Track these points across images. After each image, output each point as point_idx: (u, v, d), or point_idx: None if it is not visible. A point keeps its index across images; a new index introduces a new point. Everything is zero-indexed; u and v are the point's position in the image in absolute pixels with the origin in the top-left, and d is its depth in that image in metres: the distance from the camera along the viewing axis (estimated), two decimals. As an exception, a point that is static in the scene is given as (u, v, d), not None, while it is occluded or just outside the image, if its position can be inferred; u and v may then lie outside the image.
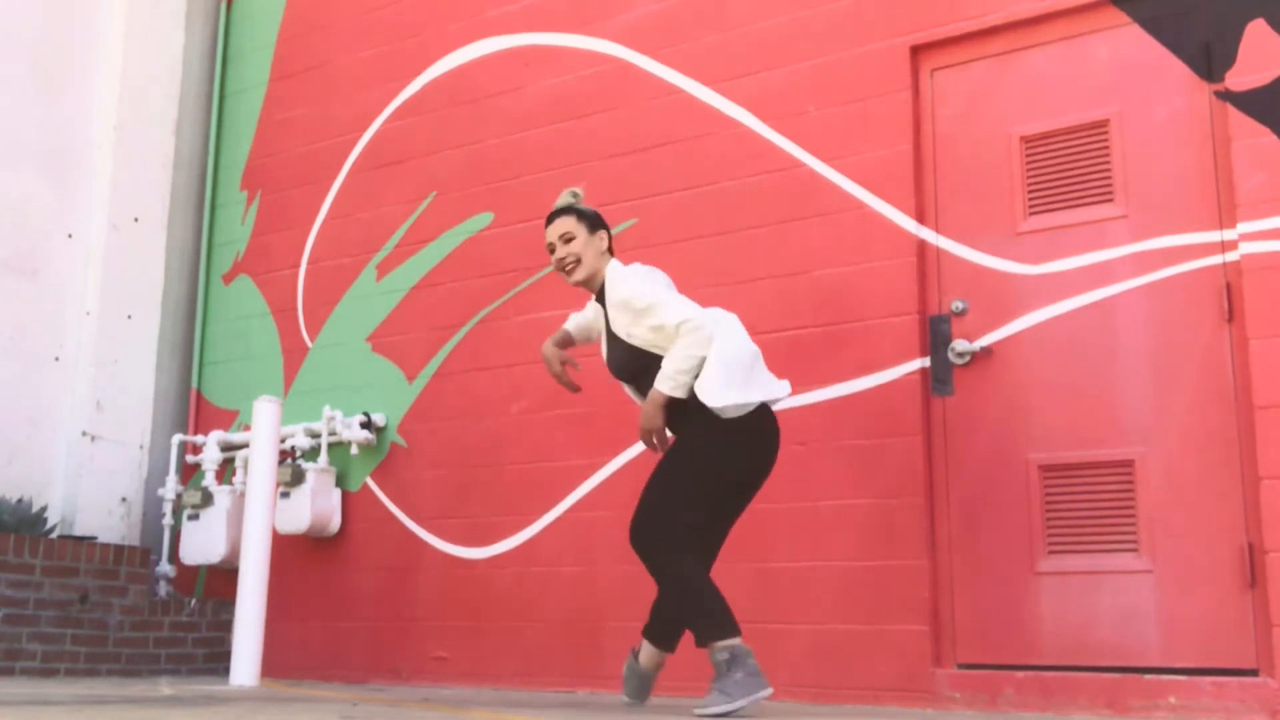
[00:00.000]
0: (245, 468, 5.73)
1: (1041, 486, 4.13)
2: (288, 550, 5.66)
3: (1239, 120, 3.94)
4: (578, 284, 3.84)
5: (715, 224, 4.87)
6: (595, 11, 5.39)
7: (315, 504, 5.52)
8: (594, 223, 3.84)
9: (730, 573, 4.51)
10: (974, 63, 4.50)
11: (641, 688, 3.94)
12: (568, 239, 3.82)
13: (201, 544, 5.80)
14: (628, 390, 3.90)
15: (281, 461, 5.65)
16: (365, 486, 5.62)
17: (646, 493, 3.63)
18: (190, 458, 6.19)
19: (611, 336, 3.80)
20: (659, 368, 3.63)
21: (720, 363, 3.57)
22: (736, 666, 3.37)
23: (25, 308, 5.98)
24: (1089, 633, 3.97)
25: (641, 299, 3.66)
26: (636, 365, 3.74)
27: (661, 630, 3.84)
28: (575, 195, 3.92)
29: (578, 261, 3.81)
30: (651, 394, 3.63)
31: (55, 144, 6.18)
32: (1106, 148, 4.20)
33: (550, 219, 3.89)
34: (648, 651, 3.88)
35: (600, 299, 3.85)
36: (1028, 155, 4.34)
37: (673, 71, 5.12)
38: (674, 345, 3.61)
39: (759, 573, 4.49)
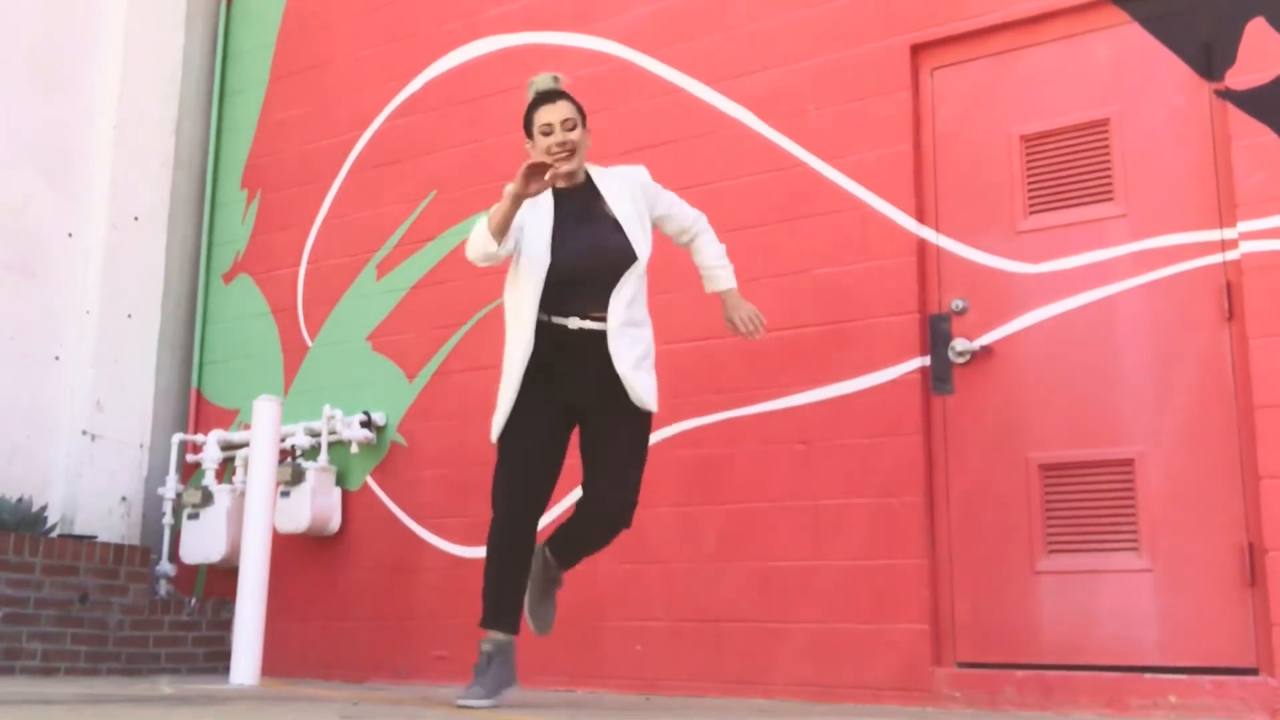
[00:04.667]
0: (245, 467, 5.72)
1: (1041, 485, 4.13)
2: (288, 549, 5.66)
3: (1239, 119, 3.94)
4: (565, 174, 3.63)
5: (715, 223, 4.83)
6: (595, 11, 5.39)
7: (315, 503, 5.52)
8: (584, 118, 3.77)
9: (730, 572, 4.53)
10: (974, 62, 4.50)
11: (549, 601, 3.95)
12: (570, 126, 3.68)
13: (201, 543, 5.79)
14: (530, 297, 3.62)
15: (281, 460, 5.65)
16: (365, 485, 5.62)
17: (631, 467, 3.69)
18: (190, 457, 6.19)
19: (592, 219, 3.68)
20: (625, 269, 3.63)
21: None
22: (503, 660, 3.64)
23: (25, 308, 5.97)
24: (1089, 632, 3.97)
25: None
26: (617, 256, 3.62)
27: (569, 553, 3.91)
28: (557, 80, 3.75)
29: (573, 152, 3.68)
30: (733, 289, 3.93)
31: (55, 144, 6.18)
32: (1106, 147, 4.20)
33: (548, 98, 3.68)
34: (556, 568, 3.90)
35: (567, 194, 3.71)
36: (1028, 154, 4.34)
37: (673, 71, 5.12)
38: (708, 237, 3.95)
39: (759, 572, 4.49)
